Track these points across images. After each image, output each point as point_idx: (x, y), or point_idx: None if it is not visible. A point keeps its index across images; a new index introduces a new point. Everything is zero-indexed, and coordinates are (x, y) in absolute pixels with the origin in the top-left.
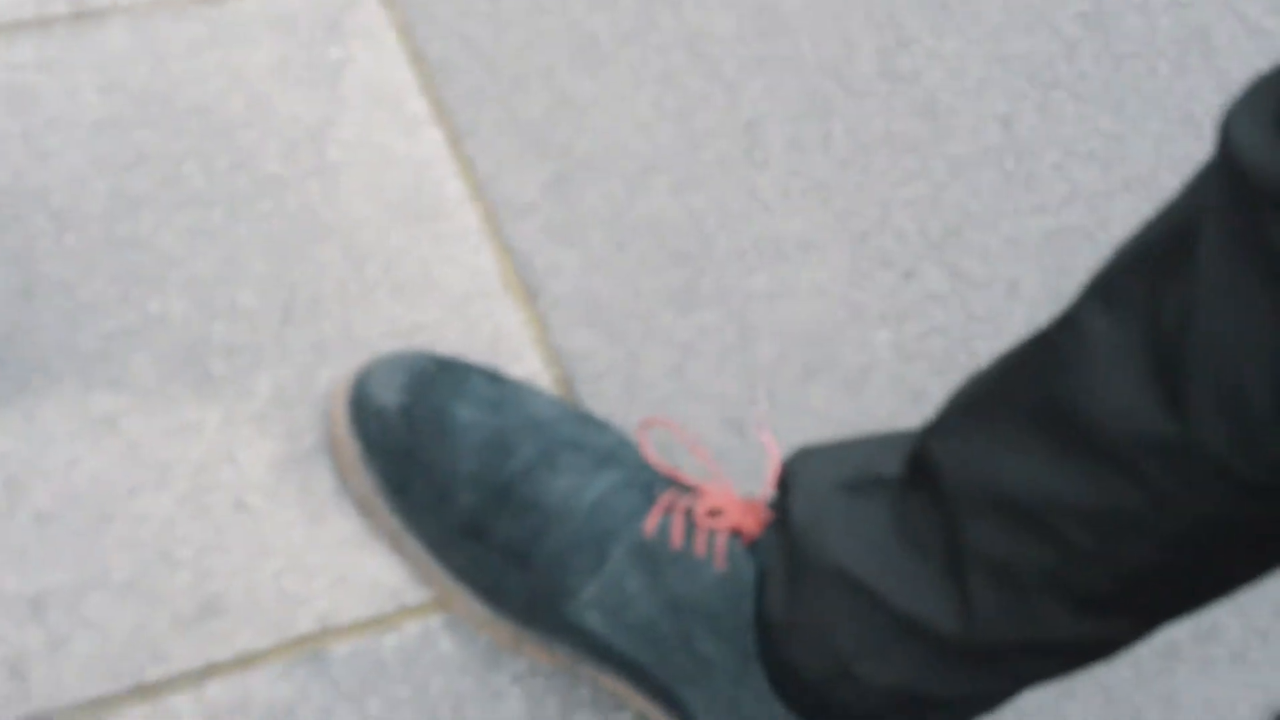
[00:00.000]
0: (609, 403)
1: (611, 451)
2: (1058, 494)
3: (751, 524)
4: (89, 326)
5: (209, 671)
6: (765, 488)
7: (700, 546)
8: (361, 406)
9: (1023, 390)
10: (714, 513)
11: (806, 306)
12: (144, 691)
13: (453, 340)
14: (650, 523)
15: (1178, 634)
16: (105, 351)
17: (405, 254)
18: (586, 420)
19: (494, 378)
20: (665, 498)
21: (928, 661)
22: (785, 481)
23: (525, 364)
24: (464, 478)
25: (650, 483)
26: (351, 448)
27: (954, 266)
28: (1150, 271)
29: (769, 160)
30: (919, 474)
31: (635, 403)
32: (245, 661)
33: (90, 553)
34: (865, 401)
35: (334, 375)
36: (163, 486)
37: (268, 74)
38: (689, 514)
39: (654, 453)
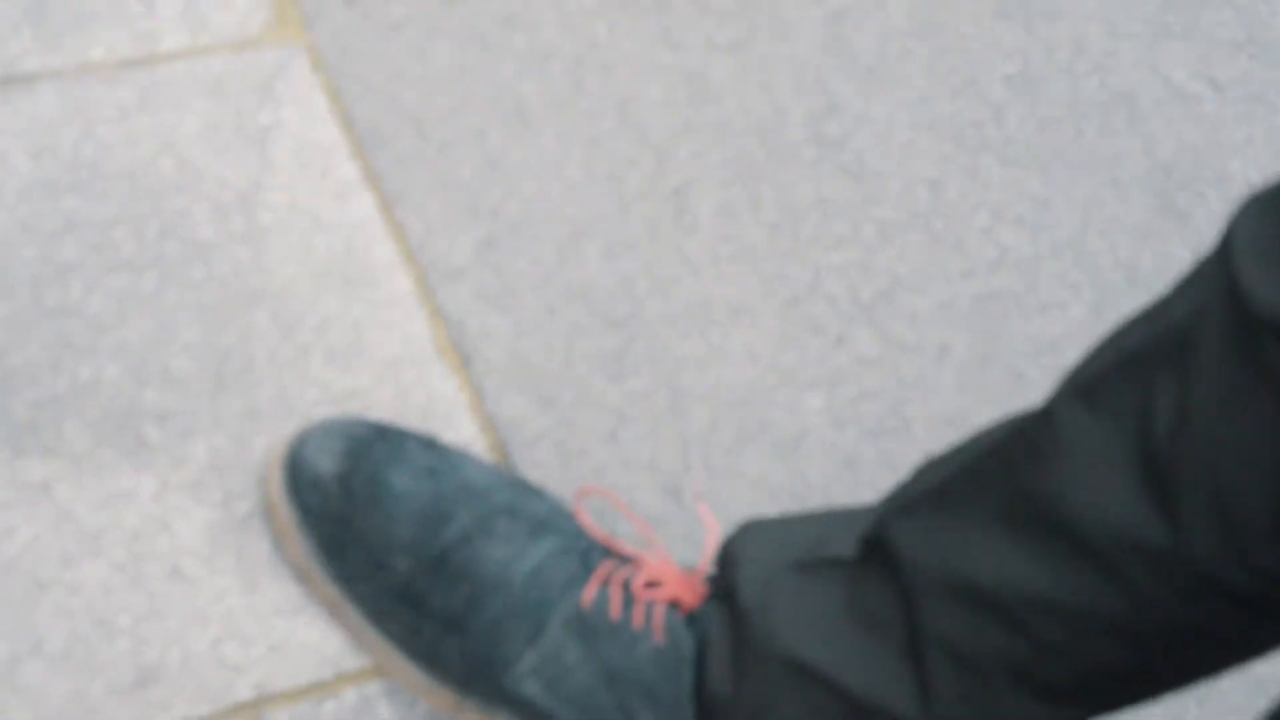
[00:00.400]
0: (543, 469)
1: (547, 519)
2: (1028, 586)
3: (689, 596)
4: (20, 394)
5: None
6: (704, 559)
7: (638, 618)
8: (297, 473)
9: (995, 481)
10: (652, 584)
11: (738, 372)
12: None
13: (385, 406)
14: (588, 593)
15: None
16: (37, 419)
17: (337, 319)
18: (522, 487)
19: (430, 444)
20: (603, 568)
21: None
22: (730, 557)
23: (459, 430)
24: (400, 545)
25: (587, 551)
26: (288, 514)
27: (884, 331)
28: (1140, 373)
29: (698, 225)
30: (876, 556)
31: (569, 469)
32: None
33: (24, 622)
34: (798, 466)
35: (269, 441)
36: (97, 554)
37: (198, 138)
38: (626, 585)
39: (590, 521)
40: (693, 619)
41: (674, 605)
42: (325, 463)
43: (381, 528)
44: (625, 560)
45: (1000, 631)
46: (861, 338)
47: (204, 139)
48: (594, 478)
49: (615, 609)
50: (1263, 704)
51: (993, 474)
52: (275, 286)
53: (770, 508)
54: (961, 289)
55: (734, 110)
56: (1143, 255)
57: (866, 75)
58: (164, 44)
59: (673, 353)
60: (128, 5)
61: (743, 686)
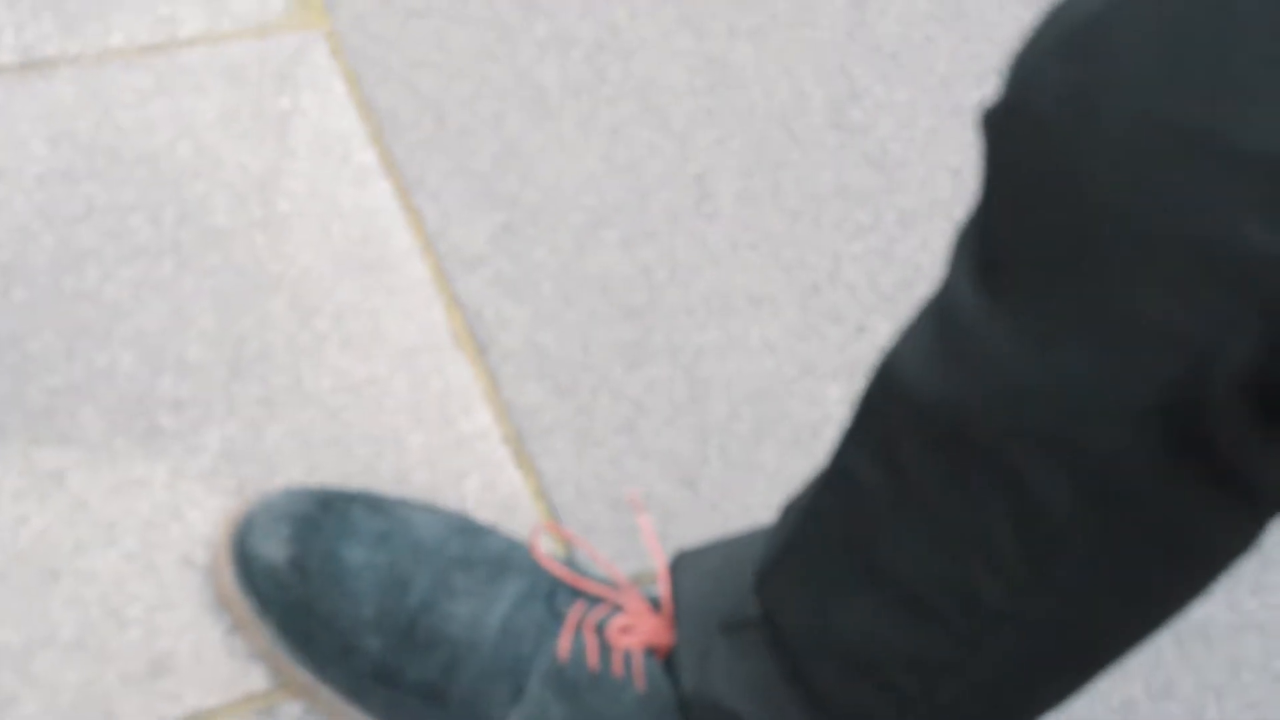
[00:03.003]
0: (559, 458)
1: (505, 560)
2: (883, 642)
3: (663, 639)
4: (35, 380)
5: None
6: (664, 595)
7: (618, 667)
8: (249, 565)
9: (829, 539)
10: (626, 629)
11: (757, 361)
12: None
13: (401, 394)
14: (563, 644)
15: (1133, 690)
16: (52, 406)
17: (354, 307)
18: (472, 530)
19: (374, 505)
20: (573, 614)
21: None
22: (674, 606)
23: (475, 418)
24: (367, 624)
25: (552, 592)
26: (246, 606)
27: (905, 321)
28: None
29: (718, 213)
30: (766, 621)
31: (585, 459)
32: None
33: (37, 611)
34: (817, 457)
35: (281, 433)
36: (110, 543)
37: (216, 124)
38: (600, 630)
39: (548, 559)
40: (670, 662)
41: (650, 649)
42: (275, 550)
43: (346, 609)
44: (594, 600)
45: (871, 687)
46: (882, 327)
47: (222, 125)
48: (610, 468)
49: (593, 658)
50: None
51: (828, 530)
52: (292, 273)
53: (787, 498)
54: None
55: (756, 96)
56: None
57: (889, 61)
58: (183, 30)
59: (691, 342)
60: None
61: None
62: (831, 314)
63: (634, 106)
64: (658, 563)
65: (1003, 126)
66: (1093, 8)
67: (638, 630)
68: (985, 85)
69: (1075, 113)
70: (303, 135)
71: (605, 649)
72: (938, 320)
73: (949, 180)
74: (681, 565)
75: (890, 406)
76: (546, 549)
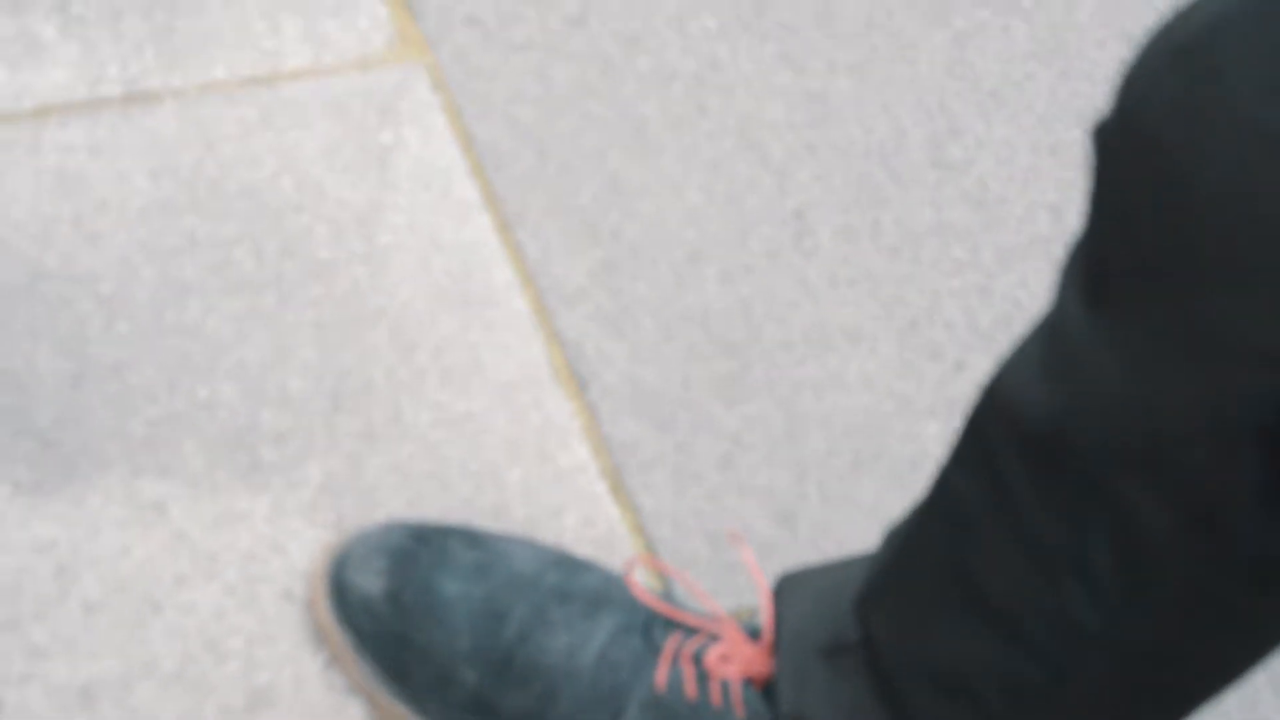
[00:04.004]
0: (657, 494)
1: (602, 593)
2: (978, 664)
3: (761, 668)
4: (138, 413)
5: None
6: (765, 624)
7: (716, 696)
8: (345, 597)
9: (928, 561)
10: (724, 658)
11: (855, 398)
12: None
13: (500, 429)
14: (660, 674)
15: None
16: (154, 438)
17: (454, 341)
18: (569, 564)
19: (470, 538)
20: (670, 644)
21: None
22: (775, 631)
23: (573, 453)
24: (463, 656)
25: (648, 624)
26: (342, 640)
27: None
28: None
29: (817, 248)
30: (865, 644)
31: (684, 494)
32: None
33: (138, 642)
34: (914, 493)
35: (381, 467)
36: (211, 576)
37: (318, 157)
38: (698, 660)
39: (643, 591)
40: (768, 692)
41: (748, 679)
42: (372, 583)
43: (442, 641)
44: (690, 631)
45: (963, 711)
46: (980, 364)
47: (325, 158)
48: (708, 503)
49: (690, 688)
50: None
51: (929, 552)
52: (393, 307)
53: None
54: None
55: (855, 132)
56: None
57: (989, 99)
58: (287, 63)
59: (789, 378)
60: (252, 25)
61: None
62: (930, 351)
63: (734, 141)
64: (760, 588)
65: (1112, 141)
66: (1203, 21)
67: (735, 659)
68: (1084, 123)
69: (1184, 126)
70: (404, 169)
71: (703, 678)
72: (1045, 338)
73: (1048, 217)
74: (784, 590)
75: (995, 424)
76: (643, 583)
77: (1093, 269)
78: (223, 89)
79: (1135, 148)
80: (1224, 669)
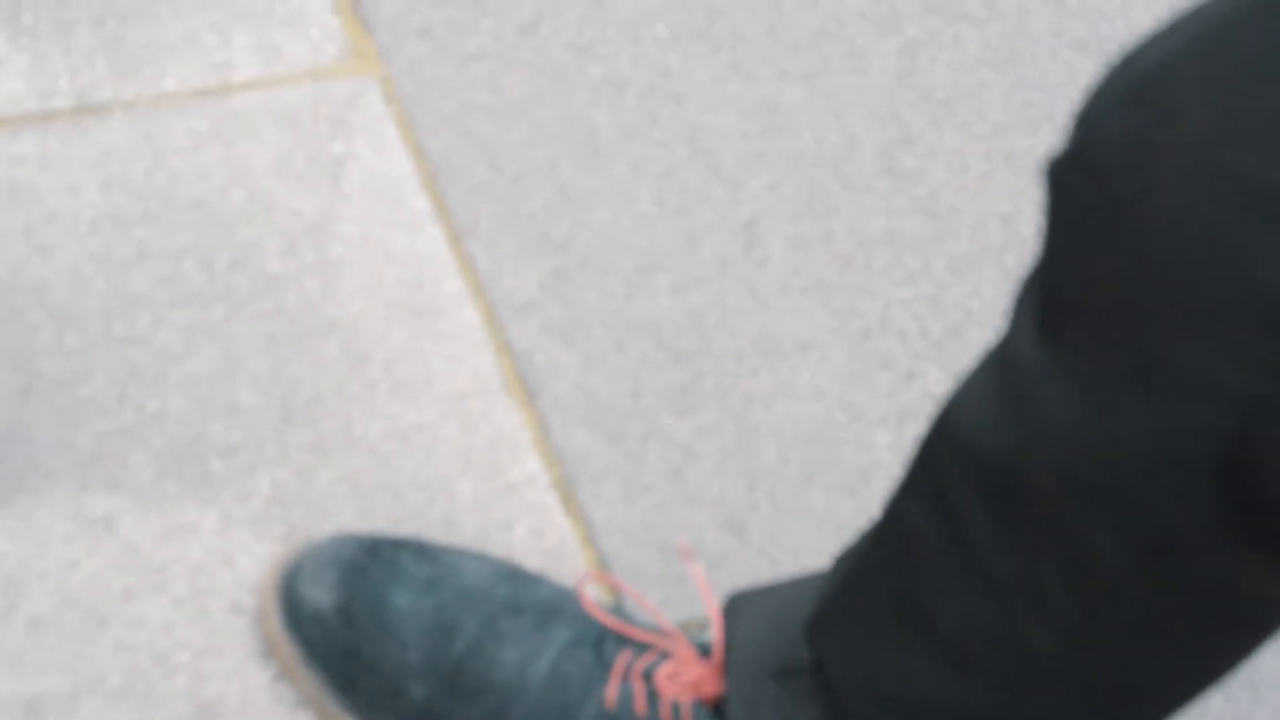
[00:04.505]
0: (608, 505)
1: (553, 607)
2: (931, 691)
3: (711, 687)
4: (86, 425)
5: None
6: (715, 641)
7: (665, 713)
8: (296, 610)
9: (879, 588)
10: (673, 676)
11: (806, 407)
12: None
13: (451, 440)
14: (610, 692)
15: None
16: (102, 451)
17: (405, 352)
18: (520, 577)
19: (422, 551)
20: (621, 660)
21: None
22: (725, 651)
23: (524, 465)
24: (413, 670)
25: (599, 639)
26: (292, 652)
27: (955, 367)
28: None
29: (769, 258)
30: (816, 668)
31: (635, 505)
32: None
33: (85, 657)
34: (867, 503)
35: (331, 479)
36: (159, 589)
37: (269, 169)
38: (648, 678)
39: (595, 607)
40: (718, 711)
41: (698, 699)
42: (322, 596)
43: (392, 655)
44: (642, 647)
45: None
46: (932, 374)
47: (276, 170)
48: (659, 514)
49: (641, 705)
50: None
51: (878, 580)
52: (344, 319)
53: (837, 545)
54: None
55: (806, 142)
56: None
57: (941, 107)
58: (237, 74)
59: (741, 388)
60: (202, 36)
61: None
62: (882, 360)
63: (685, 150)
64: (709, 609)
65: (1065, 177)
66: (1159, 59)
67: (685, 677)
68: (1038, 132)
69: (1136, 163)
70: (356, 180)
71: (653, 696)
72: (997, 370)
73: (1000, 227)
74: (734, 609)
75: (947, 455)
76: (594, 597)
77: (1047, 301)
78: (174, 100)
79: (1088, 184)
80: (1178, 692)
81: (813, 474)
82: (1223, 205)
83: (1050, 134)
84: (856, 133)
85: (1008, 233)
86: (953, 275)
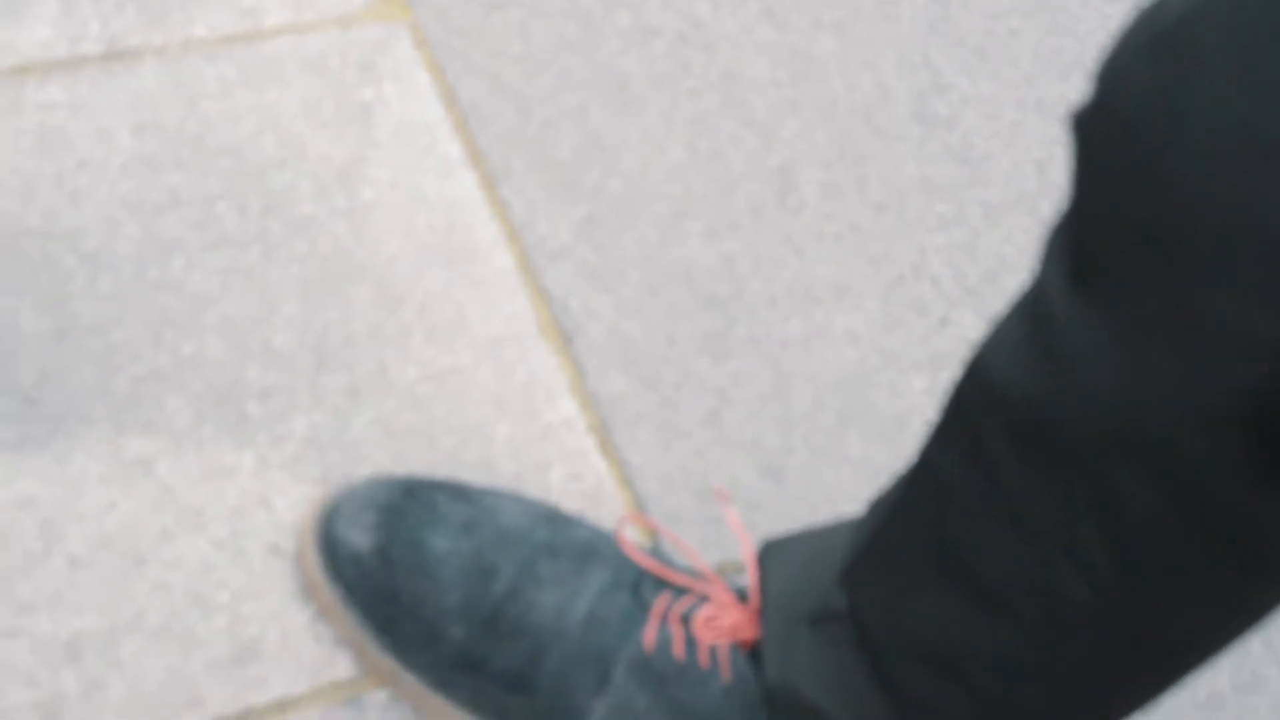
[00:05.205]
0: (644, 449)
1: (590, 548)
2: (965, 638)
3: (748, 632)
4: (122, 369)
5: (245, 717)
6: (751, 585)
7: (704, 658)
8: (334, 551)
9: (914, 536)
10: (711, 621)
11: (841, 353)
12: None
13: (486, 385)
14: (649, 634)
15: (1219, 683)
16: (138, 394)
17: (439, 297)
18: (558, 519)
19: (459, 493)
20: (659, 604)
21: None
22: (760, 597)
23: (560, 408)
24: (451, 612)
25: (637, 581)
26: (330, 593)
27: (989, 313)
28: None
29: (802, 205)
30: (851, 614)
31: (670, 450)
32: (282, 707)
33: (124, 597)
34: (902, 449)
35: (366, 422)
36: (197, 530)
37: (300, 115)
38: (686, 622)
39: (634, 550)
40: (754, 655)
41: (735, 643)
42: (360, 538)
43: (430, 597)
44: (679, 590)
45: (952, 688)
46: (966, 320)
47: (306, 115)
48: (695, 458)
49: (679, 649)
50: None
51: (912, 528)
52: (377, 263)
53: (872, 489)
54: None
55: (839, 89)
56: None
57: (973, 54)
58: (267, 20)
59: (775, 334)
60: None
61: None
62: (916, 306)
63: (717, 98)
64: (745, 553)
65: (1091, 128)
66: (1179, 11)
67: (723, 622)
68: (1069, 79)
69: (1160, 114)
70: (386, 126)
71: (691, 641)
72: (1028, 319)
73: (1033, 173)
74: (769, 555)
75: (979, 404)
76: (632, 539)
77: (1075, 253)
78: (204, 47)
79: (1113, 136)
80: (1210, 641)
81: (847, 419)
82: (1247, 156)
83: (1081, 81)
84: (889, 80)
85: (1041, 179)
86: (986, 222)
